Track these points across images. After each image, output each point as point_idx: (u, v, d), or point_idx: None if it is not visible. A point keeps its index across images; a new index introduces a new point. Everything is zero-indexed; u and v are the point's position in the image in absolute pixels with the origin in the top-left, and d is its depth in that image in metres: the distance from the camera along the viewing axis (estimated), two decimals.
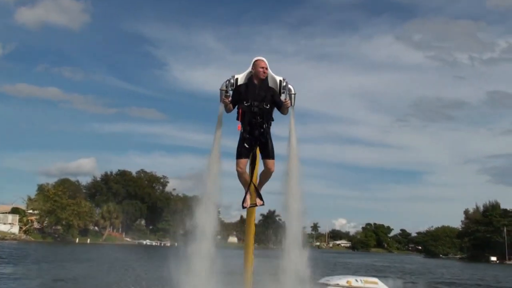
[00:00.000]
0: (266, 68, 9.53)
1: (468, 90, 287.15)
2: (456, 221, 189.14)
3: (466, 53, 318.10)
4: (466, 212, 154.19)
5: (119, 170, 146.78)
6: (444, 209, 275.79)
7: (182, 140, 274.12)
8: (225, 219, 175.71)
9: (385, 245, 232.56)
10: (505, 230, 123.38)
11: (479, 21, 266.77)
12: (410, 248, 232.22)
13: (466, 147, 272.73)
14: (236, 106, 9.49)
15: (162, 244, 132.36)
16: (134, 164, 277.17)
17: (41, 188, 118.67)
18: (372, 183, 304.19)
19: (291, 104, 9.62)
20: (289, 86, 9.79)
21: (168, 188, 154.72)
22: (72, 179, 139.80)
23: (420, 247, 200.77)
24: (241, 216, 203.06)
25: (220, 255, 9.68)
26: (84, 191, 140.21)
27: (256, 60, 9.60)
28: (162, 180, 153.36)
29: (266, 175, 9.57)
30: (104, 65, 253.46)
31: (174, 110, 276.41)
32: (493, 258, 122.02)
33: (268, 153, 9.41)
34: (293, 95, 9.78)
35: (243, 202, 9.63)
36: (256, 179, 9.77)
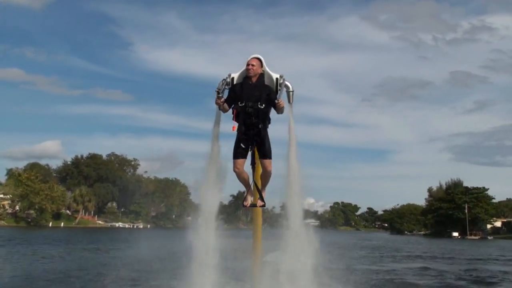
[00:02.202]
0: (253, 65, 9.23)
1: (432, 70, 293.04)
2: (420, 199, 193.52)
3: (430, 34, 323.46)
4: (429, 190, 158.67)
5: (89, 154, 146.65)
6: (409, 187, 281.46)
7: (149, 121, 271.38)
8: (195, 201, 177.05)
9: (353, 223, 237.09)
10: (466, 206, 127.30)
11: (443, 3, 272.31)
12: (377, 226, 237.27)
13: (430, 126, 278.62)
14: (232, 106, 9.30)
15: (135, 227, 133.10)
16: (100, 147, 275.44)
17: (11, 173, 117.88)
18: (339, 162, 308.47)
19: (289, 102, 9.56)
20: (286, 83, 9.56)
21: (139, 171, 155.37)
22: (38, 162, 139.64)
23: (386, 225, 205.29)
24: None
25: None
26: (54, 175, 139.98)
27: (248, 59, 9.35)
28: (133, 163, 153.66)
29: (265, 175, 9.40)
30: (68, 45, 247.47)
31: (141, 91, 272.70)
32: (455, 234, 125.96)
33: (264, 153, 9.23)
34: (291, 93, 9.59)
35: (243, 201, 9.62)
36: (258, 179, 9.62)
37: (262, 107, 9.07)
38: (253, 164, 9.58)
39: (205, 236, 9.44)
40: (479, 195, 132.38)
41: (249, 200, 9.58)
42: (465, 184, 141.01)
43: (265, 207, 9.63)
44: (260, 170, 9.52)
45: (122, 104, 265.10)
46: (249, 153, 9.46)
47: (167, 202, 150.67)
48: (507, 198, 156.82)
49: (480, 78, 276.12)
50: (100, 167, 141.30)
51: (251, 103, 9.03)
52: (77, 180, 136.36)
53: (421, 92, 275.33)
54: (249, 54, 9.59)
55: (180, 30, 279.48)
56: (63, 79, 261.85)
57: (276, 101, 9.10)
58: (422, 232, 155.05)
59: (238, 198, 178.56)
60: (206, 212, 9.57)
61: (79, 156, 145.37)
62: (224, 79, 9.50)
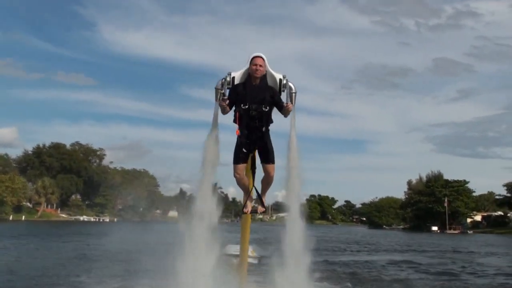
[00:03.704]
0: (261, 66, 9.15)
1: (414, 57, 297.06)
2: (400, 192, 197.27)
3: (412, 19, 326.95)
4: (409, 182, 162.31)
5: (52, 143, 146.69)
6: (389, 179, 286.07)
7: (113, 107, 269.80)
8: (163, 192, 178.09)
9: (330, 216, 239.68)
10: (446, 200, 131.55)
11: None
12: (354, 220, 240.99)
13: (411, 116, 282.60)
14: (233, 108, 9.27)
15: (101, 220, 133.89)
16: (61, 135, 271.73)
17: None
18: (316, 153, 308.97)
19: (292, 103, 9.50)
20: (290, 84, 9.60)
21: (105, 161, 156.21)
22: None
23: (364, 219, 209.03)
24: (180, 189, 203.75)
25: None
26: (14, 165, 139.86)
27: (252, 57, 9.23)
28: (98, 153, 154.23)
29: (267, 180, 9.48)
30: (25, 25, 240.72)
31: (104, 75, 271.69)
32: (434, 228, 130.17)
33: (267, 158, 9.27)
34: (293, 94, 9.61)
35: (243, 207, 9.65)
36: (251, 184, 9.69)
37: (266, 109, 9.11)
38: (253, 168, 9.59)
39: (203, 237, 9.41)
40: (459, 188, 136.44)
41: (249, 206, 9.64)
42: (445, 177, 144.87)
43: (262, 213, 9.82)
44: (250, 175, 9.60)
45: (85, 89, 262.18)
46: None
47: (135, 194, 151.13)
48: (488, 191, 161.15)
49: (464, 66, 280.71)
50: (63, 157, 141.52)
51: (255, 106, 9.02)
52: (39, 171, 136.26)
53: (402, 80, 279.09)
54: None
55: (148, 10, 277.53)
56: (20, 61, 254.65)
57: (285, 104, 9.22)
58: (401, 226, 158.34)
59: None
60: (204, 222, 9.47)
61: (41, 145, 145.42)
62: (223, 78, 9.50)
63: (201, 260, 9.25)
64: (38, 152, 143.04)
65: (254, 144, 9.24)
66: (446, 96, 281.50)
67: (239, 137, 9.19)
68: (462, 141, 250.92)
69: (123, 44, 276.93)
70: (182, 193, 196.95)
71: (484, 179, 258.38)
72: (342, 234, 79.87)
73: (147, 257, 13.35)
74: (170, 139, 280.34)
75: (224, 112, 9.23)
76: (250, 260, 11.77)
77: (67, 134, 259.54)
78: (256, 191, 9.58)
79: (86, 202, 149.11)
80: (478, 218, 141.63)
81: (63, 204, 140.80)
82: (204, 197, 9.64)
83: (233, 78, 9.48)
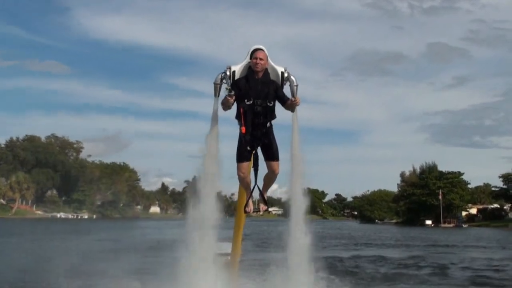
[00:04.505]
0: (261, 59, 9.07)
1: (407, 42, 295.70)
2: (393, 184, 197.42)
3: (405, 1, 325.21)
4: (402, 174, 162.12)
5: (26, 135, 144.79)
6: (381, 171, 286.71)
7: (91, 97, 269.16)
8: (144, 187, 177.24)
9: (320, 211, 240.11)
10: (440, 192, 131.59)
11: None
12: (345, 214, 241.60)
13: (405, 104, 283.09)
14: (235, 104, 9.13)
15: (79, 217, 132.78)
16: (36, 126, 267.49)
17: None
18: (305, 144, 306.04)
19: (294, 96, 9.42)
20: (291, 77, 9.56)
21: (83, 155, 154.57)
22: None
23: (355, 213, 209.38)
24: (162, 184, 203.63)
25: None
26: None
27: (253, 50, 9.20)
28: (75, 146, 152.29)
29: (271, 178, 9.51)
30: None
31: (81, 63, 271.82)
32: (428, 222, 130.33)
33: (272, 155, 9.26)
34: (295, 87, 9.56)
35: (245, 206, 9.68)
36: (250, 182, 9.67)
37: (271, 104, 9.07)
38: (256, 166, 9.45)
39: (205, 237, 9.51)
40: (454, 180, 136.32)
41: (251, 205, 9.66)
42: (440, 168, 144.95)
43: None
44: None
45: (60, 77, 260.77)
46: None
47: (114, 189, 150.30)
48: (484, 183, 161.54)
49: (460, 51, 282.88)
50: (38, 151, 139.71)
51: (260, 101, 8.97)
52: (12, 166, 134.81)
53: (395, 67, 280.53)
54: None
55: None
56: None
57: (292, 99, 9.17)
58: (393, 221, 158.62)
59: (194, 184, 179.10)
60: (205, 219, 9.51)
61: (14, 138, 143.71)
62: (223, 73, 9.39)
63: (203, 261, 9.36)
64: (11, 145, 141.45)
65: (258, 141, 9.17)
66: (441, 83, 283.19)
67: (243, 134, 9.07)
68: (457, 130, 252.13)
69: (101, 30, 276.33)
70: (164, 187, 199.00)
71: (480, 170, 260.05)
72: (332, 229, 79.45)
73: None
74: (151, 130, 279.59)
75: (227, 108, 9.02)
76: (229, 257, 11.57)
77: (41, 126, 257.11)
78: (259, 189, 9.53)
79: (63, 198, 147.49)
80: (473, 211, 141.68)
81: (39, 200, 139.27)
82: (206, 198, 9.59)
83: (233, 72, 9.33)
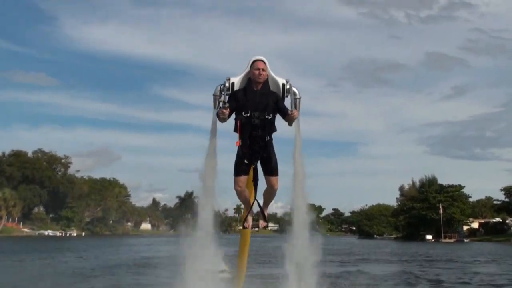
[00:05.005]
0: (263, 70, 9.07)
1: (405, 51, 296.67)
2: (392, 198, 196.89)
3: (402, 10, 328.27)
4: (401, 188, 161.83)
5: (12, 150, 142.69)
6: (379, 184, 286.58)
7: (78, 110, 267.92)
8: (135, 203, 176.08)
9: (317, 226, 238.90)
10: (440, 206, 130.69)
11: None
12: (343, 229, 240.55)
13: (402, 115, 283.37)
14: (233, 117, 9.19)
15: (68, 234, 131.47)
16: (20, 141, 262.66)
17: None
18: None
19: (297, 114, 9.32)
20: (294, 89, 9.54)
21: (71, 170, 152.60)
22: None
23: (354, 228, 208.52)
24: (153, 199, 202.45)
25: None
26: None
27: (253, 61, 9.18)
28: (63, 161, 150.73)
29: (270, 193, 9.42)
30: None
31: (68, 75, 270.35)
32: (429, 237, 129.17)
33: (271, 170, 9.19)
34: (298, 100, 9.56)
35: (244, 222, 9.65)
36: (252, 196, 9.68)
37: (269, 117, 9.01)
38: (255, 180, 9.34)
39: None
40: (454, 194, 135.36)
41: (250, 221, 9.60)
42: (440, 181, 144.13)
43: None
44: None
45: (46, 89, 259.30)
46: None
47: (104, 205, 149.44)
48: (486, 196, 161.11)
49: (459, 60, 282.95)
50: (25, 166, 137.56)
51: (258, 113, 8.91)
52: None
53: (392, 76, 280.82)
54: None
55: (114, 3, 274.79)
56: None
57: (289, 112, 9.06)
58: (393, 236, 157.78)
59: (186, 200, 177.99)
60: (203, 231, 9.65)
61: (0, 153, 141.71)
62: (222, 84, 9.35)
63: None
64: None
65: (256, 155, 9.09)
66: (440, 93, 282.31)
67: (240, 148, 9.03)
68: (457, 141, 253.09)
69: (88, 40, 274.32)
70: (155, 203, 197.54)
71: (481, 182, 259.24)
72: (329, 245, 78.66)
73: None
74: (141, 144, 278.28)
75: (223, 120, 9.03)
76: (227, 274, 11.55)
77: (27, 140, 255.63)
78: (258, 204, 9.50)
79: (51, 215, 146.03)
80: (475, 225, 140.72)
81: (25, 217, 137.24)
82: (204, 213, 9.68)
83: (233, 84, 9.32)
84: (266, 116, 8.94)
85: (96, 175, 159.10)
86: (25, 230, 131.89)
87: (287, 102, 9.45)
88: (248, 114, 8.89)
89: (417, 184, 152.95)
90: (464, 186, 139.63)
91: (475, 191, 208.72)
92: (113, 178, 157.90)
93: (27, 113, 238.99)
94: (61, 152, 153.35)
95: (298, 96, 9.57)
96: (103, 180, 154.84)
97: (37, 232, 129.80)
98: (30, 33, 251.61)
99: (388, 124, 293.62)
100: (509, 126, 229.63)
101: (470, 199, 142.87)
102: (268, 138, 9.09)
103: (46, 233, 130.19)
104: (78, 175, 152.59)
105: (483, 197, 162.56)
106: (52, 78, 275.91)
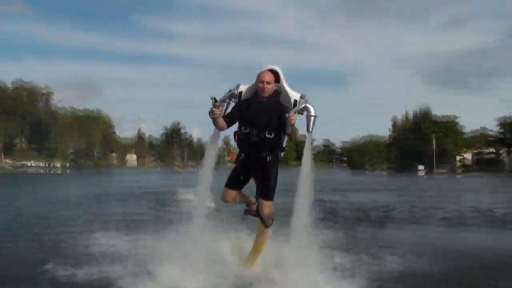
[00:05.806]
0: (268, 83, 7.99)
1: None
2: (385, 130, 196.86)
3: None
4: (394, 119, 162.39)
5: None
6: (372, 116, 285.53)
7: (57, 40, 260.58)
8: (120, 134, 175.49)
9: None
10: (433, 138, 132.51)
11: None
12: (333, 160, 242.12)
13: (398, 45, 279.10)
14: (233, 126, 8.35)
15: (52, 165, 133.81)
16: None
17: None
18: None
19: (308, 130, 8.22)
20: (308, 105, 8.21)
21: (53, 102, 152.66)
22: None
23: (345, 158, 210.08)
24: (139, 130, 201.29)
25: None
26: None
27: (260, 72, 8.13)
28: (44, 91, 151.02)
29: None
30: None
31: (45, 2, 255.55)
32: (421, 167, 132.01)
33: (266, 192, 8.42)
34: (312, 118, 8.19)
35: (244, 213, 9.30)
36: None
37: (271, 136, 8.04)
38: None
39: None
40: (448, 125, 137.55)
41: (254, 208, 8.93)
42: (434, 113, 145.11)
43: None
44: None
45: (22, 18, 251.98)
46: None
47: (88, 138, 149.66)
48: (480, 127, 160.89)
49: None
50: (5, 103, 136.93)
51: (257, 131, 8.01)
52: None
53: (387, 4, 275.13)
54: None
55: None
56: None
57: (287, 115, 7.70)
58: (385, 172, 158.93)
59: (173, 132, 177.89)
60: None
61: None
62: (230, 90, 8.35)
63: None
64: None
65: (254, 173, 8.40)
66: (438, 22, 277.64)
67: (237, 162, 8.41)
68: (454, 73, 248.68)
69: None
70: (140, 134, 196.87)
71: (477, 114, 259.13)
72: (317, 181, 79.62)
73: None
74: (125, 76, 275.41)
75: (219, 127, 8.10)
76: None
77: (4, 72, 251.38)
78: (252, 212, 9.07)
79: (34, 147, 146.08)
80: (468, 156, 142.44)
81: (7, 149, 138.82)
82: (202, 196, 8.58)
83: (241, 92, 8.35)
84: (267, 135, 8.01)
85: (80, 107, 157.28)
86: (7, 161, 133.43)
87: (303, 121, 8.20)
88: (247, 131, 8.06)
89: (411, 115, 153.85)
90: (459, 117, 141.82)
91: (471, 123, 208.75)
92: (97, 109, 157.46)
93: (1, 44, 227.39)
94: (43, 83, 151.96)
95: (313, 115, 8.18)
96: (86, 111, 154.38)
97: (19, 163, 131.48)
98: None
99: (383, 55, 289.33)
100: (509, 57, 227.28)
101: (465, 131, 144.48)
102: (270, 158, 8.21)
103: (29, 164, 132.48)
104: (60, 105, 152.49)
105: (478, 128, 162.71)
106: (28, 5, 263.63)
